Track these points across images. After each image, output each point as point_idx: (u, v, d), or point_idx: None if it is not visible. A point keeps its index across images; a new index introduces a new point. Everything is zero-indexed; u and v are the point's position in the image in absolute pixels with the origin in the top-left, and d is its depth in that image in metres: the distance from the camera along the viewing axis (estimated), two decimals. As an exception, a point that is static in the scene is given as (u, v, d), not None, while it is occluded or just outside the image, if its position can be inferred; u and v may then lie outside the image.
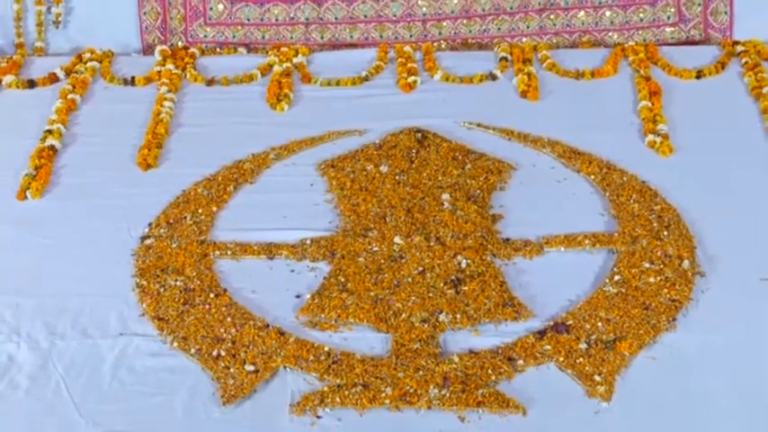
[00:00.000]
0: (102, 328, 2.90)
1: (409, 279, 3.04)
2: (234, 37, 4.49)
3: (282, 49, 4.36)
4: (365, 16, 4.46)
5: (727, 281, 3.01)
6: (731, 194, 3.38)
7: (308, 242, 3.22)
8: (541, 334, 2.82)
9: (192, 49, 4.40)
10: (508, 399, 2.59)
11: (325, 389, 2.64)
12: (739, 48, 4.22)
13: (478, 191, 3.43)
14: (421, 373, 2.68)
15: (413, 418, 2.57)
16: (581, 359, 2.72)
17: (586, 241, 3.19)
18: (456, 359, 2.73)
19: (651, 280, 3.01)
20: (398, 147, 3.66)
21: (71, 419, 2.60)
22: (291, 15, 4.46)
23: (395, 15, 4.45)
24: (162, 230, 3.30)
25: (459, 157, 3.60)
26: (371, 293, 2.99)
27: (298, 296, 3.02)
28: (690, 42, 4.40)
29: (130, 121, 3.93)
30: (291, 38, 4.47)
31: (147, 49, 4.50)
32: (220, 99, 4.12)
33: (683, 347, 2.76)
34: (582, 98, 4.03)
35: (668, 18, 4.39)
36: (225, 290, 3.05)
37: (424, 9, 4.45)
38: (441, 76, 4.17)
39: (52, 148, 3.73)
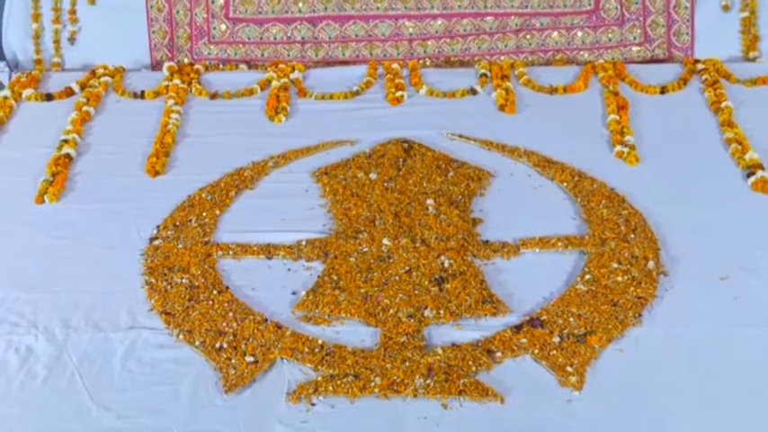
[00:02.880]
0: (114, 322, 2.90)
1: (396, 277, 3.04)
2: (235, 54, 4.48)
3: (280, 65, 4.35)
4: (356, 36, 4.45)
5: (689, 280, 3.01)
6: (693, 201, 3.38)
7: (304, 243, 3.22)
8: (518, 328, 2.82)
9: (196, 66, 4.39)
10: (487, 388, 2.59)
11: (319, 378, 2.64)
12: (700, 66, 4.22)
13: (460, 196, 3.43)
14: (407, 364, 2.68)
15: (400, 405, 2.58)
16: (554, 351, 2.73)
17: (559, 243, 3.19)
18: (439, 351, 2.73)
19: (619, 279, 3.01)
20: (387, 156, 3.66)
21: (84, 406, 2.61)
22: (288, 35, 4.45)
23: (383, 35, 4.45)
24: (169, 232, 3.29)
25: (443, 166, 3.60)
26: (362, 291, 2.99)
27: (294, 293, 3.02)
28: (654, 60, 4.40)
29: (140, 132, 3.91)
30: (288, 55, 4.46)
31: (156, 66, 4.48)
32: (223, 111, 4.10)
33: (649, 341, 2.77)
34: (555, 112, 4.02)
35: (634, 38, 4.40)
36: (227, 287, 3.04)
37: (411, 29, 4.45)
38: (426, 91, 4.16)
39: (68, 156, 3.72)
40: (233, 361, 2.72)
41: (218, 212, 3.41)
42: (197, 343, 2.80)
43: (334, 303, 2.93)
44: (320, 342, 2.78)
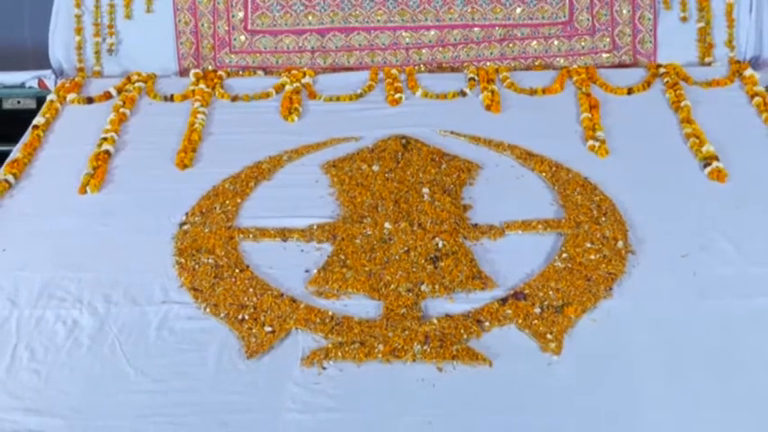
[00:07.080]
0: (149, 297, 2.90)
1: (397, 257, 3.03)
2: (253, 62, 4.46)
3: (293, 71, 4.34)
4: (359, 45, 4.44)
5: (654, 258, 3.01)
6: (657, 188, 3.37)
7: (315, 227, 3.21)
8: (504, 301, 2.81)
9: (219, 72, 4.38)
10: (477, 353, 2.60)
11: (330, 346, 2.65)
12: (662, 69, 4.20)
13: (452, 186, 3.42)
14: (407, 332, 2.68)
15: (400, 368, 2.58)
16: (536, 321, 2.72)
17: (539, 226, 3.18)
18: (435, 321, 2.73)
19: (592, 257, 3.01)
20: (387, 150, 3.65)
21: (123, 371, 2.61)
22: (300, 44, 4.44)
23: (383, 44, 4.44)
24: (196, 218, 3.29)
25: (437, 159, 3.59)
26: (366, 268, 2.98)
27: (306, 271, 3.01)
28: (622, 65, 4.39)
29: (170, 130, 3.89)
30: (300, 63, 4.44)
31: (184, 72, 4.46)
32: (243, 112, 4.09)
33: (619, 311, 2.77)
34: (535, 111, 4.01)
35: (604, 46, 4.39)
36: (248, 266, 3.03)
37: (407, 39, 4.43)
38: (421, 94, 4.14)
39: (107, 152, 3.71)
40: (253, 330, 2.72)
41: (239, 201, 3.40)
42: (222, 315, 2.80)
43: (342, 280, 2.93)
44: (330, 314, 2.78)
